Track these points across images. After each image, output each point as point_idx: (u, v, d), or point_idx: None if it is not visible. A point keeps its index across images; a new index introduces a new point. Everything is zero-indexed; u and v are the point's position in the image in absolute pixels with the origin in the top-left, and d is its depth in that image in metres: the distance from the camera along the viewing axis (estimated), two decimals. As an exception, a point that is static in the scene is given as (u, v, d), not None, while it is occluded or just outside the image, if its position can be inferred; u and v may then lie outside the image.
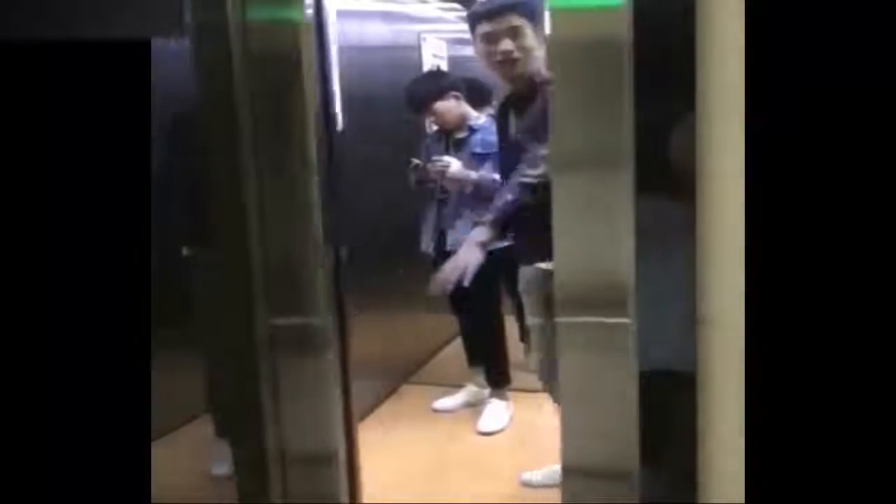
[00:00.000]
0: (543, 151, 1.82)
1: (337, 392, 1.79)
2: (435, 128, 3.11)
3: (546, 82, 1.99)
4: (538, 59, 1.98)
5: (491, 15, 1.95)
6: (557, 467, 2.38)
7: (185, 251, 1.81)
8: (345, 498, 1.81)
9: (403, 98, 2.98)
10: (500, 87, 2.23)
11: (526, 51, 1.95)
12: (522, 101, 2.02)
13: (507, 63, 1.96)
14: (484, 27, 1.96)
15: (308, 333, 1.77)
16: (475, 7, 2.06)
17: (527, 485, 2.39)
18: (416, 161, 2.91)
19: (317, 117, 1.75)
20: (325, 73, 1.77)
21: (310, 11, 1.71)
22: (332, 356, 1.77)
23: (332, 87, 1.81)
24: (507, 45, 1.93)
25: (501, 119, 2.16)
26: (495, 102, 3.28)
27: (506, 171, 2.11)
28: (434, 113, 2.91)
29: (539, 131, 1.89)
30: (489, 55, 1.97)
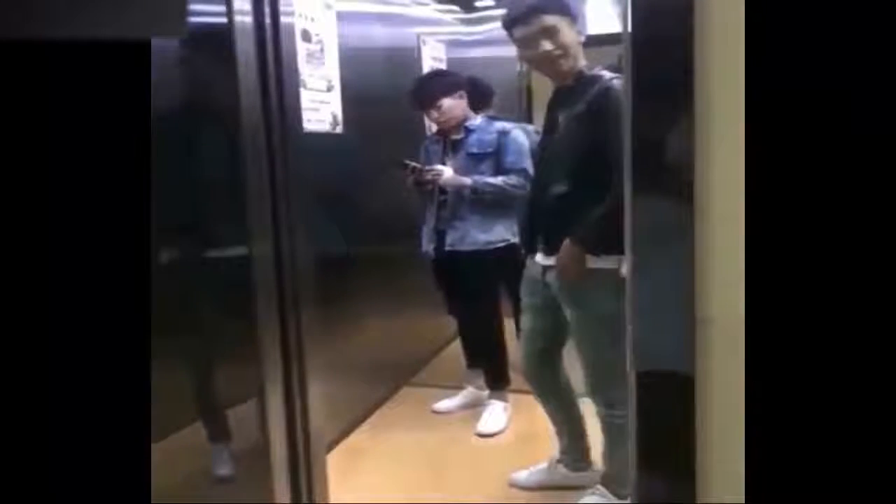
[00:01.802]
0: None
1: (278, 392, 1.79)
2: (434, 129, 3.11)
3: (594, 78, 1.97)
4: (580, 53, 1.99)
5: (522, 19, 1.95)
6: (543, 466, 2.39)
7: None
8: (286, 498, 1.81)
9: (409, 94, 2.98)
10: (501, 89, 2.25)
11: (565, 48, 1.95)
12: (571, 94, 2.00)
13: (548, 63, 1.97)
14: (519, 31, 1.97)
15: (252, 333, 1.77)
16: (506, 14, 2.06)
17: (515, 485, 2.40)
18: (412, 163, 2.91)
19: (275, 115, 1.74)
20: (265, 74, 1.74)
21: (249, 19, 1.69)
22: (274, 356, 1.78)
23: (289, 85, 1.78)
24: (545, 46, 1.93)
25: (551, 113, 2.11)
26: (496, 102, 3.30)
27: (549, 167, 2.09)
28: (439, 110, 2.90)
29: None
30: (529, 58, 2.00)
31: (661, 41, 1.30)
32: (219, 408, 1.87)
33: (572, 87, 2.00)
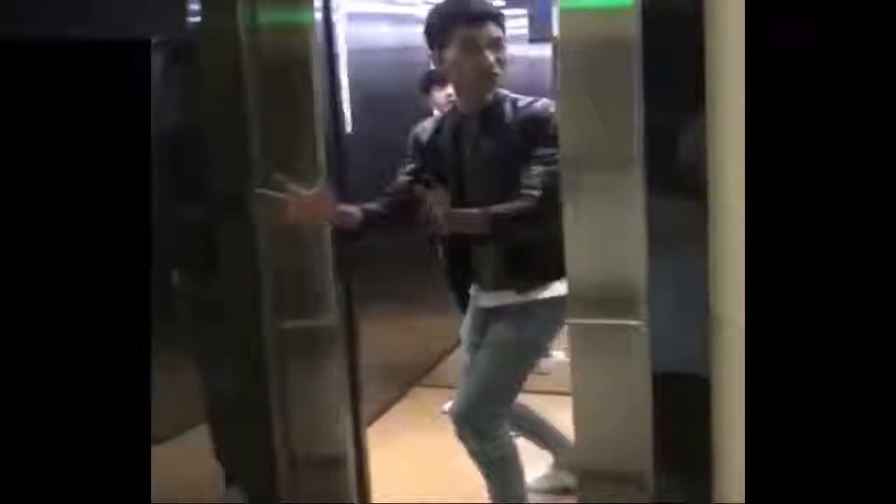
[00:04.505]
0: (540, 168, 1.66)
1: (346, 395, 1.79)
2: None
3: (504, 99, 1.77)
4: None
5: (473, 20, 1.70)
6: (543, 473, 2.36)
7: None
8: (354, 499, 1.82)
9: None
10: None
11: (504, 66, 1.75)
12: (490, 118, 1.78)
13: (486, 78, 1.74)
14: (463, 32, 1.70)
15: (317, 336, 1.77)
16: (450, 6, 1.77)
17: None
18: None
19: (325, 118, 1.74)
20: (334, 74, 1.75)
21: (318, 15, 1.69)
22: (340, 359, 1.77)
23: (340, 88, 1.79)
24: (490, 58, 1.71)
25: (460, 136, 1.84)
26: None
27: (483, 194, 1.75)
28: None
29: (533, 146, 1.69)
30: (468, 66, 1.73)
31: (672, 43, 1.29)
32: (239, 443, 1.83)
33: (490, 109, 1.77)
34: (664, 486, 1.38)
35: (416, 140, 1.95)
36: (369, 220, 1.78)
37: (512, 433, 2.01)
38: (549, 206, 1.65)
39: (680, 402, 1.35)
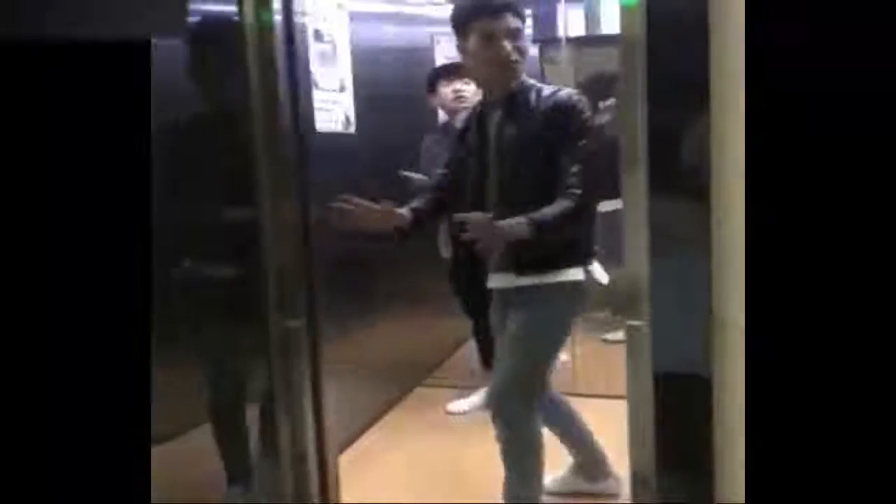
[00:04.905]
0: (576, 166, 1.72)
1: (308, 393, 1.79)
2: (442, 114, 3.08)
3: (530, 88, 1.81)
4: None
5: (492, 12, 1.77)
6: (561, 473, 2.33)
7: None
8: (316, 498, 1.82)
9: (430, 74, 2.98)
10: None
11: (523, 53, 1.82)
12: (514, 105, 1.83)
13: (506, 67, 1.80)
14: (482, 24, 1.78)
15: (282, 336, 1.77)
16: (467, 6, 1.83)
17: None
18: (405, 174, 2.86)
19: (287, 116, 1.74)
20: (293, 74, 1.75)
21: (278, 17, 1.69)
22: (304, 358, 1.77)
23: (302, 87, 1.79)
24: (508, 47, 1.78)
25: (483, 126, 1.89)
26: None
27: (506, 180, 1.83)
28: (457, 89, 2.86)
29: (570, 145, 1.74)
30: (488, 56, 1.79)
31: (677, 43, 1.29)
32: (242, 443, 1.84)
33: (515, 97, 1.82)
34: (666, 486, 1.38)
35: (451, 131, 2.07)
36: (418, 219, 1.91)
37: (544, 429, 2.01)
38: (589, 205, 1.78)
39: (681, 402, 1.35)
